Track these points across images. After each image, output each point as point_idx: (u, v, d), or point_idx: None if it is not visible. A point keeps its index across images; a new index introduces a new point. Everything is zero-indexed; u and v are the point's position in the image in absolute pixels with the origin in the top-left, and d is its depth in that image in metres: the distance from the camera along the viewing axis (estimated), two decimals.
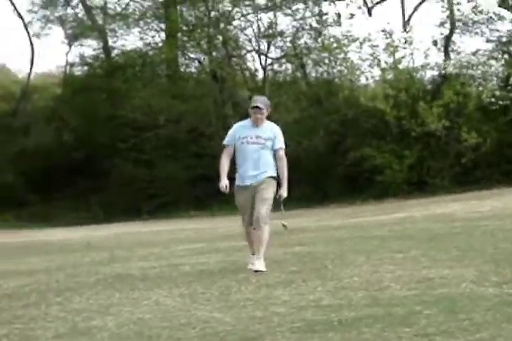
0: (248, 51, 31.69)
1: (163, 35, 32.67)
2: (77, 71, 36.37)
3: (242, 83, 31.71)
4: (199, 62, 32.56)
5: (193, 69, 33.47)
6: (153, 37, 32.55)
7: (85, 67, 35.50)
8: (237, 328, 4.81)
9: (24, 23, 37.34)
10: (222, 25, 30.78)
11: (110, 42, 34.16)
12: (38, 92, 37.97)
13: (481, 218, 13.07)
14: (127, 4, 33.70)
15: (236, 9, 31.11)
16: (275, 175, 7.92)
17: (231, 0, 30.64)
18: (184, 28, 31.31)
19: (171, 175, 28.03)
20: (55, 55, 67.94)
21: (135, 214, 27.00)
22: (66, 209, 30.03)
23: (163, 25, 32.40)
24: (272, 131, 7.99)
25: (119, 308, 5.96)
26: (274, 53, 31.62)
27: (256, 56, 31.51)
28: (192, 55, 32.46)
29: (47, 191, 30.61)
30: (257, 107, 7.93)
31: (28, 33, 37.32)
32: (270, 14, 30.92)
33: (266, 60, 31.36)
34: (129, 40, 33.36)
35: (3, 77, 43.91)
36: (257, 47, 31.33)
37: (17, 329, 5.29)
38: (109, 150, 29.48)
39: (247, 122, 8.10)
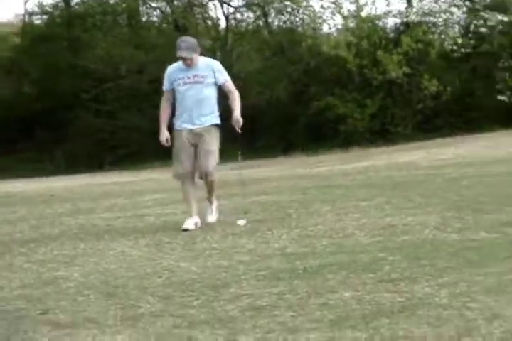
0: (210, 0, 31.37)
1: None
2: (37, 20, 35.72)
3: (205, 32, 31.40)
4: (161, 11, 32.18)
5: (154, 19, 33.08)
6: None
7: (44, 16, 34.87)
8: (203, 277, 4.85)
9: None
10: None
11: None
12: None
13: (444, 166, 13.20)
14: None
15: None
16: (219, 122, 7.33)
17: None
18: None
19: (133, 125, 27.85)
20: (13, 4, 66.58)
21: (98, 166, 26.88)
22: (28, 161, 29.79)
23: None
24: (210, 67, 7.34)
25: (84, 259, 5.96)
26: (237, 2, 31.34)
27: (218, 4, 31.19)
28: (153, 4, 32.05)
29: (8, 143, 30.28)
30: (181, 58, 7.29)
31: None
32: None
33: (228, 9, 31.07)
34: None
35: None
36: None
37: None
38: (71, 101, 29.16)
39: (180, 63, 7.40)
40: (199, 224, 7.18)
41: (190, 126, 7.27)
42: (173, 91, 7.41)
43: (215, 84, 7.32)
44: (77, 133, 29.14)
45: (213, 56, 30.62)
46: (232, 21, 31.35)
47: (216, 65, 7.44)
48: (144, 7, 32.39)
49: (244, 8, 31.14)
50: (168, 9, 31.52)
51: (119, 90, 28.97)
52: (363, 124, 25.71)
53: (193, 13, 30.85)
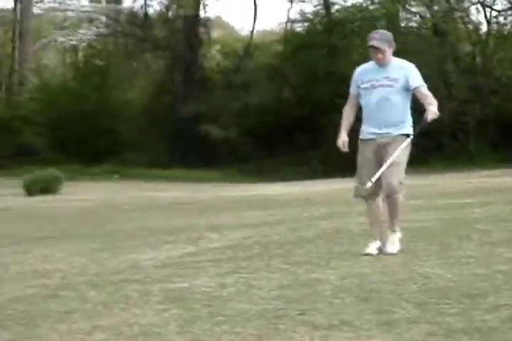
0: (472, 3, 30.65)
1: None
2: (298, 28, 36.74)
3: (465, 37, 30.77)
4: (420, 16, 31.89)
5: (413, 24, 32.87)
6: None
7: (305, 24, 35.74)
8: (459, 285, 4.74)
9: None
10: None
11: None
12: (260, 49, 38.74)
13: None
14: None
15: None
16: (410, 132, 6.47)
17: None
18: None
19: None
20: (276, 12, 68.97)
21: (353, 170, 27.09)
22: (286, 165, 30.62)
23: None
24: (403, 69, 6.48)
25: (339, 262, 6.02)
26: (500, 5, 30.41)
27: (480, 8, 30.42)
28: (413, 9, 31.84)
29: (268, 147, 31.33)
30: (372, 47, 6.50)
31: None
32: None
33: (491, 13, 30.22)
34: None
35: (226, 35, 45.25)
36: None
37: (242, 279, 5.47)
38: (327, 107, 29.62)
39: (371, 63, 6.67)
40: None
41: (374, 136, 6.50)
42: (358, 95, 6.65)
43: (407, 89, 6.48)
44: (333, 137, 29.49)
45: (473, 61, 30.15)
46: (494, 25, 30.46)
47: (411, 67, 6.56)
48: (404, 12, 32.28)
49: (509, 12, 30.16)
50: (427, 14, 31.17)
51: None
52: None
53: (453, 18, 30.30)
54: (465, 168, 23.76)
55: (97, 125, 31.97)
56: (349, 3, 33.22)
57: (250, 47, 38.27)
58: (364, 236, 7.52)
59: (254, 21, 38.70)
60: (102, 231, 10.15)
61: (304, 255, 6.57)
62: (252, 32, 39.58)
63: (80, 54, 39.69)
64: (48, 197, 17.96)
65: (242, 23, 61.42)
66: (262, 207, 13.09)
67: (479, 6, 30.19)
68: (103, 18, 36.63)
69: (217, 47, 41.30)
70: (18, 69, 36.23)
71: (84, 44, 37.07)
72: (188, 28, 36.35)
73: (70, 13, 36.11)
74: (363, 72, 6.67)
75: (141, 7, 37.61)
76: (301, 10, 35.83)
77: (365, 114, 6.59)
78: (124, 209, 14.05)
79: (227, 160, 31.28)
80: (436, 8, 30.42)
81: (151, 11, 38.13)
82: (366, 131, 6.55)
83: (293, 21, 37.09)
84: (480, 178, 18.46)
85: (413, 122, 6.56)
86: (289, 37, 36.87)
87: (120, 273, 6.20)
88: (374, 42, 6.47)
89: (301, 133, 30.39)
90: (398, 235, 6.48)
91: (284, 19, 38.77)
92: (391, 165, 6.30)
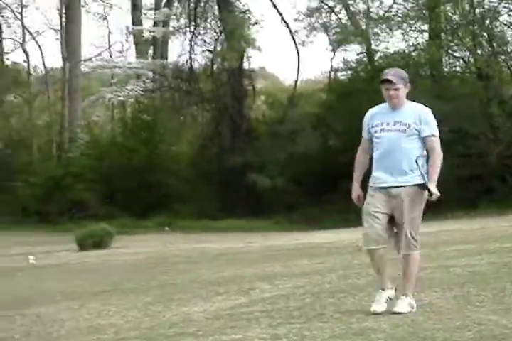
0: None
1: (426, 35, 32.43)
2: (341, 76, 37.00)
3: (509, 80, 30.69)
4: (464, 60, 31.92)
5: (457, 69, 32.90)
6: (416, 38, 32.42)
7: (349, 72, 35.98)
8: None
9: (291, 32, 38.60)
10: (487, 21, 29.99)
11: (373, 46, 34.38)
12: (304, 99, 39.02)
13: None
14: (390, 7, 33.87)
15: (502, 4, 30.21)
16: (422, 181, 5.97)
17: None
18: (448, 27, 30.86)
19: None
20: (319, 62, 69.61)
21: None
22: (333, 212, 30.53)
23: (426, 26, 32.14)
24: (417, 114, 6.06)
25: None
26: None
27: None
28: (456, 54, 31.89)
29: (315, 195, 31.33)
30: (387, 81, 6.08)
31: (294, 41, 38.55)
32: None
33: None
34: (391, 43, 33.39)
35: (271, 86, 45.72)
36: None
37: (295, 329, 5.48)
38: None
39: (382, 106, 6.30)
40: (393, 296, 6.06)
41: (384, 185, 6.09)
42: (371, 140, 6.28)
43: (419, 135, 6.05)
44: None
45: None
46: None
47: (426, 113, 6.12)
48: (447, 57, 32.34)
49: None
50: (471, 58, 31.19)
51: None
52: None
53: (497, 61, 30.28)
54: None
55: (146, 179, 32.33)
56: (392, 51, 33.42)
57: (294, 96, 38.56)
58: (417, 282, 7.48)
59: (298, 71, 39.08)
60: (155, 284, 10.21)
61: (356, 303, 6.56)
62: (295, 81, 39.94)
63: (128, 109, 40.34)
64: (100, 252, 18.12)
65: (286, 73, 62.07)
66: (312, 256, 13.06)
67: None
68: (149, 74, 37.26)
69: (262, 97, 41.72)
70: (68, 127, 36.90)
71: (131, 100, 37.68)
72: (233, 80, 36.82)
73: (117, 70, 36.80)
74: (374, 115, 6.31)
75: (187, 61, 38.23)
76: (344, 58, 36.15)
77: (375, 160, 6.24)
78: (175, 262, 14.12)
79: (275, 209, 31.32)
80: (479, 52, 30.46)
81: (196, 64, 38.73)
82: (376, 178, 6.17)
83: (336, 70, 37.40)
84: None
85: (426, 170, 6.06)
86: (332, 85, 37.11)
87: (173, 326, 6.24)
88: (389, 77, 6.10)
89: (347, 180, 30.34)
90: (410, 301, 5.94)
91: (328, 68, 39.15)
92: (405, 219, 5.97)
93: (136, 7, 39.49)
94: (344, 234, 20.57)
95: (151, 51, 40.13)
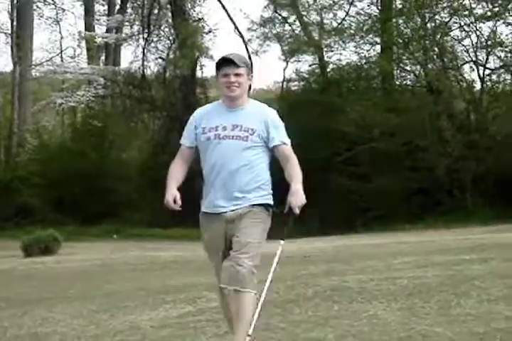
0: (466, 62, 31.09)
1: (378, 48, 32.79)
2: (294, 86, 37.17)
3: (459, 95, 31.13)
4: (414, 74, 32.30)
5: (408, 82, 33.28)
6: (368, 51, 32.78)
7: (301, 83, 36.18)
8: None
9: (244, 41, 38.68)
10: (438, 36, 30.44)
11: (326, 57, 34.63)
12: None
13: None
14: (343, 19, 34.21)
15: (453, 20, 30.68)
16: (268, 201, 4.89)
17: (449, 11, 30.32)
18: (400, 40, 31.24)
19: (385, 188, 27.92)
20: (272, 71, 69.82)
21: (349, 227, 27.10)
22: (282, 223, 30.60)
23: (378, 39, 32.49)
24: (263, 116, 4.81)
25: (337, 321, 6.02)
26: (493, 63, 30.86)
27: (474, 67, 30.84)
28: (407, 68, 32.27)
29: None
30: (227, 62, 4.75)
31: (247, 50, 38.61)
32: (489, 24, 30.23)
33: (484, 71, 30.61)
34: (344, 55, 33.81)
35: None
36: (474, 58, 30.67)
37: None
38: (324, 164, 29.79)
39: (216, 104, 5.00)
40: None
41: (221, 209, 4.79)
42: (195, 149, 4.93)
43: (266, 145, 4.84)
44: (330, 195, 29.63)
45: (467, 118, 30.42)
46: (488, 83, 30.84)
47: (272, 115, 4.88)
48: (398, 70, 32.71)
49: (502, 70, 30.62)
50: (422, 72, 31.59)
51: (371, 153, 29.24)
52: None
53: (447, 76, 30.71)
54: (462, 224, 23.80)
55: (95, 185, 32.06)
56: (344, 62, 33.71)
57: None
58: (363, 294, 7.53)
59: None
60: (101, 291, 10.13)
61: (302, 313, 6.57)
62: (248, 90, 39.98)
63: (79, 115, 40.01)
64: (47, 258, 17.93)
65: None
66: (261, 265, 13.06)
67: (472, 65, 30.61)
68: (101, 80, 37.01)
69: None
70: (17, 131, 36.49)
71: (82, 105, 37.37)
72: (185, 88, 36.74)
73: (68, 75, 36.45)
74: (204, 115, 4.90)
75: (139, 68, 38.07)
76: (296, 69, 36.39)
77: (206, 177, 4.89)
78: (122, 269, 14.02)
79: None
80: (430, 66, 30.83)
81: (148, 71, 38.61)
82: (209, 200, 4.84)
83: (288, 80, 37.56)
84: (478, 234, 18.47)
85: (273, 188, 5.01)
86: (284, 95, 37.25)
87: (118, 334, 6.20)
88: (230, 56, 4.79)
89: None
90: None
91: (280, 78, 39.26)
92: (242, 246, 4.72)
93: (88, 12, 39.24)
94: (293, 244, 20.64)
95: (103, 57, 39.90)
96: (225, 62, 4.79)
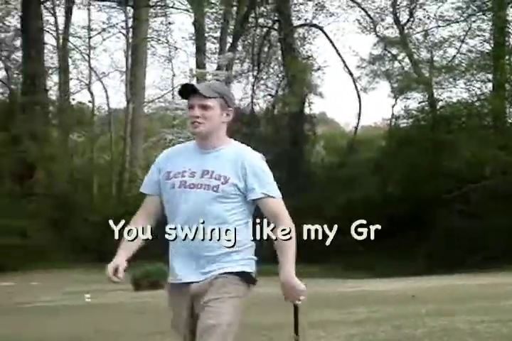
0: None
1: (490, 85, 32.32)
2: (402, 123, 36.96)
3: None
4: None
5: None
6: (479, 88, 32.34)
7: (410, 120, 35.94)
8: None
9: (353, 78, 38.78)
10: None
11: (436, 95, 34.33)
12: (364, 144, 39.05)
13: None
14: (454, 57, 33.95)
15: None
16: (244, 268, 3.75)
17: None
18: None
19: (497, 227, 27.30)
20: (380, 108, 69.73)
21: (458, 266, 26.54)
22: (389, 260, 30.23)
23: (490, 76, 32.05)
24: (238, 161, 3.74)
25: None
26: None
27: None
28: None
29: (370, 242, 31.01)
30: (190, 91, 3.74)
31: (356, 87, 38.71)
32: None
33: None
34: (454, 92, 33.40)
35: (332, 131, 45.85)
36: None
37: None
38: (433, 202, 29.38)
39: (189, 145, 3.94)
40: None
41: (185, 279, 3.77)
42: (157, 196, 3.90)
43: (243, 196, 3.74)
44: (439, 233, 29.16)
45: None
46: None
47: (252, 160, 3.79)
48: (511, 109, 32.16)
49: None
50: None
51: (482, 191, 28.68)
52: None
53: None
54: None
55: None
56: (454, 100, 33.32)
57: (354, 142, 38.62)
58: (474, 336, 7.36)
59: (359, 117, 39.16)
60: None
61: None
62: (356, 128, 40.02)
63: None
64: (156, 292, 18.18)
65: (346, 119, 62.37)
66: (367, 303, 12.92)
67: None
68: None
69: (322, 142, 41.82)
70: (129, 167, 37.39)
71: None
72: (294, 125, 37.01)
73: (179, 112, 37.21)
74: (171, 158, 3.89)
75: (248, 105, 38.58)
76: (405, 106, 36.17)
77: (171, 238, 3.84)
78: None
79: (327, 256, 31.07)
80: None
81: (257, 108, 39.09)
82: (172, 268, 3.84)
83: (397, 117, 37.39)
84: None
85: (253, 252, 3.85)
86: (392, 132, 37.07)
87: None
88: (195, 86, 3.73)
89: (405, 228, 30.13)
90: None
91: (388, 115, 39.14)
92: (207, 329, 3.59)
93: (200, 50, 40.10)
94: (399, 283, 20.34)
95: None
96: (186, 90, 3.78)
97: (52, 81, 41.32)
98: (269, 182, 3.77)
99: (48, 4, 40.36)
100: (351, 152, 38.09)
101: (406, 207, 30.66)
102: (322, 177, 36.76)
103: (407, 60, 36.36)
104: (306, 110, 38.00)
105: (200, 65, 39.64)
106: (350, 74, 38.76)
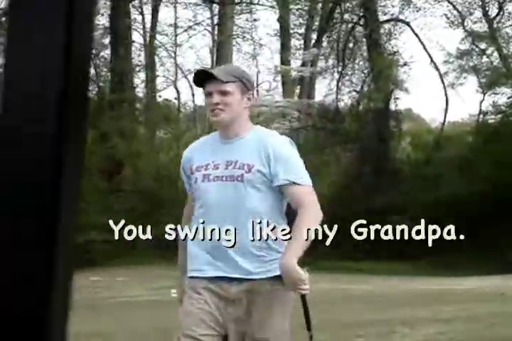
0: None
1: None
2: (490, 119, 36.31)
3: None
4: None
5: None
6: None
7: (498, 115, 35.27)
8: None
9: (440, 74, 38.25)
10: None
11: None
12: (450, 141, 38.47)
13: None
14: None
15: None
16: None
17: None
18: None
19: None
20: (467, 104, 68.56)
21: None
22: (478, 258, 29.79)
23: None
24: (261, 146, 3.46)
25: None
26: None
27: None
28: None
29: (458, 240, 30.62)
30: (206, 76, 3.49)
31: (443, 83, 38.16)
32: None
33: None
34: None
35: (417, 127, 45.34)
36: None
37: None
38: None
39: (211, 136, 3.77)
40: None
41: (212, 275, 3.45)
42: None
43: (271, 184, 3.44)
44: None
45: None
46: None
47: (276, 144, 3.51)
48: None
49: None
50: None
51: None
52: None
53: None
54: None
55: None
56: None
57: (440, 139, 38.09)
58: None
59: (446, 113, 38.60)
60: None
61: None
62: (443, 124, 39.47)
63: None
64: None
65: (432, 115, 61.66)
66: (453, 302, 12.74)
67: None
68: (295, 113, 37.64)
69: (408, 139, 41.39)
70: None
71: None
72: (379, 121, 36.73)
73: (264, 108, 37.36)
74: (194, 153, 3.69)
75: (333, 101, 38.46)
76: (493, 102, 35.52)
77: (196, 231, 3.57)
78: (315, 302, 14.05)
79: (416, 253, 30.78)
80: None
81: (341, 104, 38.94)
82: (196, 265, 3.49)
83: (485, 113, 36.74)
84: None
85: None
86: (480, 128, 36.44)
87: None
88: (211, 71, 3.52)
89: (493, 225, 29.62)
90: None
91: (476, 111, 38.51)
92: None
93: (285, 47, 40.12)
94: (489, 281, 20.01)
95: (297, 90, 40.61)
96: (202, 75, 3.51)
97: (140, 78, 41.89)
98: (295, 168, 3.45)
99: (136, 3, 40.93)
100: (437, 149, 37.57)
101: (494, 204, 30.12)
102: (407, 174, 36.39)
103: (495, 54, 35.67)
104: (392, 106, 37.67)
105: (284, 61, 39.68)
106: (437, 69, 38.24)
